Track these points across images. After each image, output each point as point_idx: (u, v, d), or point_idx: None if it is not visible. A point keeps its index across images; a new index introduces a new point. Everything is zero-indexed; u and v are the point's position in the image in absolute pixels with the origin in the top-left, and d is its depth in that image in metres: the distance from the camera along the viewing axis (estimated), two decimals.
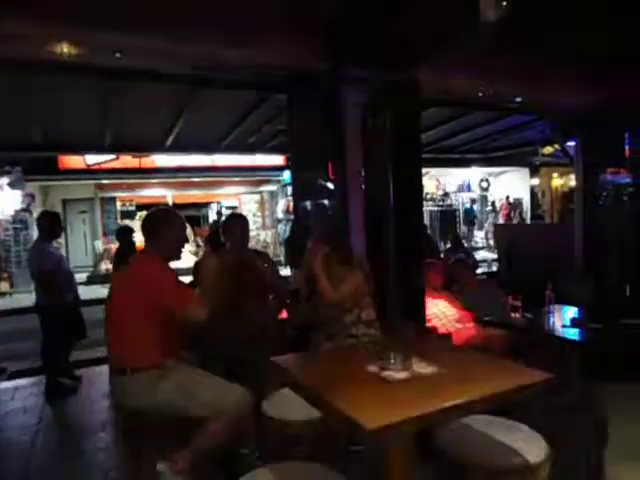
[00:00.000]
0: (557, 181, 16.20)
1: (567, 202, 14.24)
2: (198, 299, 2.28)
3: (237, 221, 3.36)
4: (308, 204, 4.24)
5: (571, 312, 3.69)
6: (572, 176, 10.00)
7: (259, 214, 16.29)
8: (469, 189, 16.62)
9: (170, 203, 14.29)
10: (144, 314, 2.21)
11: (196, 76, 4.22)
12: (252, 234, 14.27)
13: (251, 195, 16.31)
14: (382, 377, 1.69)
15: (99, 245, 13.53)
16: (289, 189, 12.86)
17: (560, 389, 2.49)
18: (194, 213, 16.95)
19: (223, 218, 11.07)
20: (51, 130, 7.27)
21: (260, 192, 16.18)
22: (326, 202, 4.10)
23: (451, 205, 16.12)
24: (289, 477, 1.69)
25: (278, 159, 11.60)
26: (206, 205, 17.18)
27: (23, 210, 11.34)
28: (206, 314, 2.22)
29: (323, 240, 3.08)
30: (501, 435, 1.81)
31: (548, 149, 10.52)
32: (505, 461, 1.67)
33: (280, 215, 14.79)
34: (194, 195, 15.68)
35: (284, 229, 14.45)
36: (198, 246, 13.27)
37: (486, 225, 15.95)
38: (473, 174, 15.86)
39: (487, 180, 16.40)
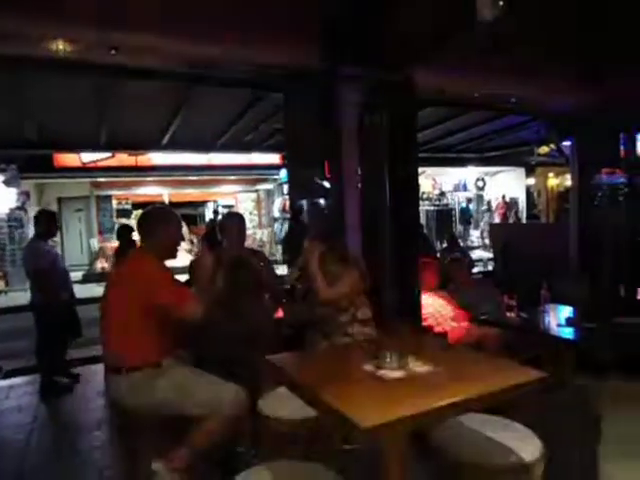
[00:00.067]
0: (553, 181, 16.26)
1: (563, 202, 14.29)
2: (194, 297, 2.28)
3: (234, 220, 3.37)
4: (304, 203, 4.24)
5: (566, 311, 3.70)
6: (568, 176, 10.03)
7: (255, 213, 16.27)
8: (465, 189, 16.67)
9: (166, 201, 14.24)
10: (140, 313, 2.20)
11: (192, 74, 4.21)
12: (248, 233, 14.23)
13: (247, 194, 16.29)
14: (378, 376, 1.69)
15: (95, 243, 13.48)
16: (285, 188, 12.86)
17: (554, 388, 2.50)
18: (190, 212, 16.91)
19: (219, 217, 11.07)
20: (46, 128, 7.24)
21: (256, 191, 16.16)
22: (322, 201, 4.09)
23: (447, 204, 16.16)
24: (285, 476, 1.69)
25: (274, 158, 11.59)
26: (202, 204, 17.15)
27: (18, 208, 11.29)
28: (202, 312, 2.22)
29: (319, 239, 3.09)
30: (496, 434, 1.81)
31: (544, 149, 10.56)
32: (500, 460, 1.67)
33: (276, 214, 14.79)
34: (190, 194, 15.65)
35: (280, 228, 14.45)
36: (192, 243, 13.24)
37: (482, 224, 16.00)
38: (469, 174, 15.91)
39: (483, 180, 16.45)
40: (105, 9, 2.91)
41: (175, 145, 9.01)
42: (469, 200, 16.50)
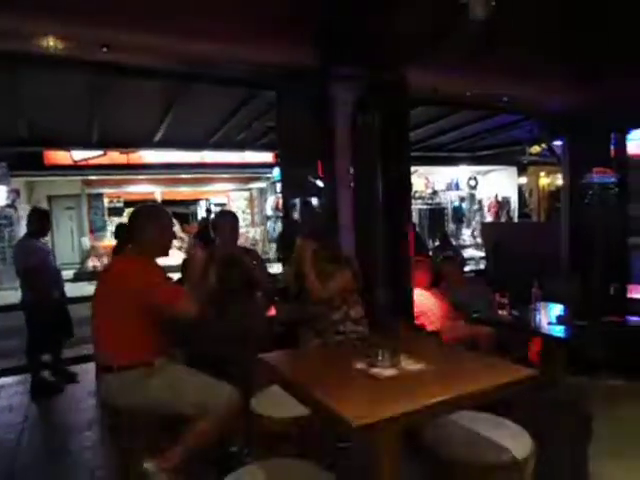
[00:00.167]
0: (544, 180, 16.37)
1: (554, 201, 14.40)
2: (187, 295, 2.28)
3: (227, 218, 3.36)
4: (297, 201, 4.24)
5: (557, 310, 3.74)
6: (559, 175, 10.11)
7: (248, 211, 16.23)
8: (457, 187, 16.73)
9: (158, 200, 14.16)
10: (133, 312, 2.19)
11: (185, 72, 4.18)
12: (241, 231, 14.19)
13: (240, 192, 16.24)
14: (370, 374, 1.69)
15: (86, 242, 13.38)
16: (278, 186, 12.82)
17: (546, 385, 2.52)
18: (183, 210, 16.83)
19: (212, 215, 11.03)
20: (37, 125, 7.17)
21: (249, 189, 16.11)
22: (315, 200, 4.10)
23: (440, 203, 16.22)
24: (277, 474, 1.69)
25: (267, 156, 11.57)
26: (195, 202, 17.07)
27: (8, 206, 11.17)
28: (195, 309, 2.22)
29: (312, 237, 3.09)
30: (487, 431, 1.83)
31: (535, 148, 10.62)
32: (491, 458, 1.69)
33: (269, 212, 14.76)
34: (183, 192, 15.56)
35: (273, 226, 14.43)
36: (184, 241, 13.19)
37: (473, 223, 16.07)
38: (461, 172, 15.96)
39: (475, 178, 16.52)
40: (97, 6, 2.89)
41: (167, 143, 8.96)
42: (462, 199, 16.56)
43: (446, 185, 16.64)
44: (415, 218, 14.22)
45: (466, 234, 16.04)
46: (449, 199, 16.52)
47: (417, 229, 12.04)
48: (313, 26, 3.51)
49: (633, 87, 4.72)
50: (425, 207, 15.56)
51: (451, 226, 15.99)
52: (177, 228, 12.03)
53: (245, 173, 13.77)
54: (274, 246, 14.02)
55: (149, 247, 2.35)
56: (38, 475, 2.96)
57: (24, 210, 10.73)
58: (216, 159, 11.81)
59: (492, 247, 7.48)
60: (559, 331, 3.27)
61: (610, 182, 5.90)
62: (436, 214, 15.71)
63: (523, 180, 15.98)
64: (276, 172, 11.89)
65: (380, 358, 1.74)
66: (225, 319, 2.95)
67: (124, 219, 12.07)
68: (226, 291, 2.98)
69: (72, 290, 6.48)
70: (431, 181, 16.22)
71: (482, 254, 10.93)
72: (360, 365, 1.78)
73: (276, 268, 8.21)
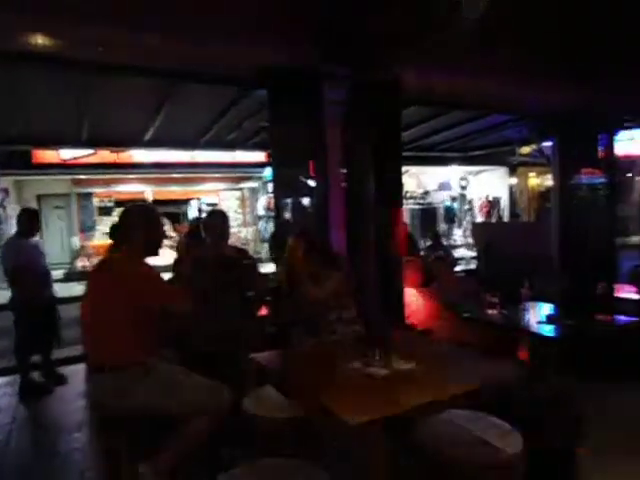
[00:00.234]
0: (534, 180, 16.51)
1: (544, 201, 14.53)
2: (181, 292, 2.28)
3: (217, 217, 3.35)
4: (289, 201, 4.24)
5: (546, 309, 3.77)
6: (548, 176, 10.20)
7: (240, 211, 16.18)
8: (449, 188, 16.81)
9: (149, 199, 14.06)
10: (125, 313, 2.17)
11: (174, 70, 4.16)
12: (233, 231, 14.12)
13: (232, 192, 16.18)
14: (363, 374, 1.70)
15: (76, 242, 13.26)
16: (270, 186, 12.80)
17: (536, 384, 2.54)
18: (174, 210, 16.73)
19: (204, 215, 10.97)
20: (25, 123, 7.08)
21: (241, 189, 16.06)
22: (307, 199, 4.10)
23: (431, 203, 16.28)
24: (271, 474, 1.69)
25: (259, 156, 11.53)
26: (186, 202, 16.97)
27: None
28: (191, 308, 2.22)
29: (303, 237, 3.09)
30: (478, 430, 1.84)
31: (525, 149, 10.71)
32: (482, 456, 1.70)
33: (261, 212, 14.73)
34: (173, 191, 15.47)
35: (265, 226, 14.40)
36: (175, 240, 13.11)
37: (464, 223, 16.16)
38: (453, 173, 16.04)
39: (466, 179, 16.60)
40: (87, 4, 2.86)
41: (158, 142, 8.88)
42: (454, 199, 16.64)
43: (438, 185, 16.71)
44: (407, 218, 14.26)
45: (457, 234, 16.13)
46: (441, 199, 16.59)
47: (409, 229, 12.08)
48: (306, 25, 3.51)
49: (619, 88, 4.79)
50: (417, 207, 15.62)
51: (443, 226, 16.05)
52: (168, 228, 11.96)
53: (236, 173, 13.72)
54: (266, 246, 13.99)
55: (139, 246, 2.34)
56: (26, 476, 2.93)
57: (13, 210, 10.60)
58: (207, 158, 11.75)
59: (483, 247, 7.52)
60: (548, 330, 3.30)
61: (598, 183, 5.97)
62: (428, 214, 15.77)
63: (514, 180, 16.10)
64: (268, 172, 11.87)
65: (372, 358, 1.75)
66: (217, 319, 2.94)
67: (115, 219, 11.97)
68: (217, 291, 2.97)
69: (62, 290, 6.41)
70: (423, 181, 16.29)
71: (473, 254, 11.00)
72: (353, 365, 1.78)
73: (268, 268, 8.19)
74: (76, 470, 2.95)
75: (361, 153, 3.86)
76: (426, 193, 16.32)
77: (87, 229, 13.82)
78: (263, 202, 14.46)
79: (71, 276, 11.39)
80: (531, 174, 16.27)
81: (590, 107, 5.10)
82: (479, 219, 15.73)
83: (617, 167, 6.27)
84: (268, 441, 2.06)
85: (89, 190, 14.11)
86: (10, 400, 4.14)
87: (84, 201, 14.21)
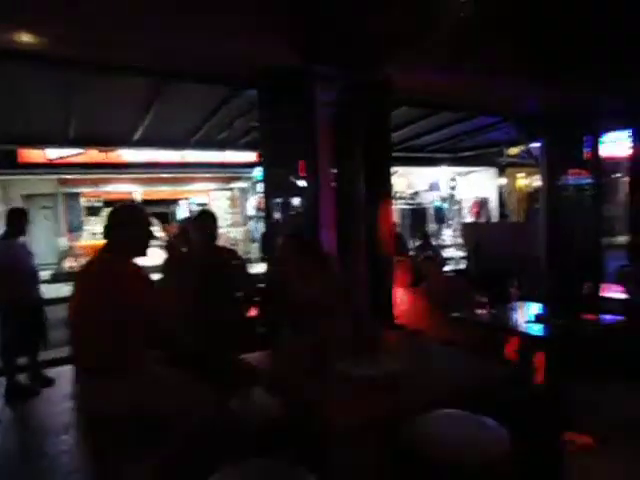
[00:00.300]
0: (522, 181, 16.67)
1: (532, 202, 14.67)
2: (168, 296, 2.26)
3: (206, 218, 3.34)
4: (279, 201, 4.23)
5: (534, 309, 3.81)
6: (536, 177, 10.31)
7: (230, 211, 16.11)
8: (438, 188, 16.90)
9: (138, 199, 13.95)
10: (111, 314, 2.15)
11: (164, 70, 4.13)
12: (223, 231, 14.06)
13: (222, 192, 16.11)
14: (351, 375, 1.70)
15: (63, 242, 13.11)
16: (260, 186, 12.76)
17: (523, 383, 2.57)
18: (163, 210, 16.61)
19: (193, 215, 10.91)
20: (10, 122, 6.99)
21: (231, 189, 16.00)
22: (297, 200, 4.09)
23: (420, 204, 16.36)
24: (258, 475, 1.68)
25: (250, 156, 11.49)
26: (175, 202, 16.87)
27: None
28: (176, 311, 2.20)
29: (294, 238, 3.09)
30: (466, 429, 1.84)
31: (513, 150, 10.81)
32: (470, 455, 1.71)
33: (251, 212, 14.68)
34: (163, 191, 15.34)
35: (255, 226, 14.35)
36: (162, 240, 13.01)
37: (453, 223, 16.26)
38: (442, 173, 16.13)
39: (455, 179, 16.71)
40: (72, 1, 2.83)
41: (147, 142, 8.82)
42: (444, 199, 16.74)
43: (427, 185, 16.80)
44: (397, 218, 14.31)
45: (447, 234, 16.22)
46: (430, 199, 16.68)
47: (398, 229, 12.13)
48: (296, 26, 3.50)
49: (602, 89, 4.85)
50: (406, 207, 15.69)
51: (433, 226, 16.14)
52: (157, 228, 11.88)
53: (227, 173, 13.65)
54: (256, 246, 13.95)
55: (127, 247, 2.32)
56: (13, 479, 2.89)
57: None
58: (197, 158, 11.69)
59: (472, 247, 7.58)
60: (536, 330, 3.33)
61: (585, 184, 6.05)
62: (417, 214, 15.84)
63: (502, 181, 16.25)
64: (258, 172, 11.84)
65: (361, 359, 1.75)
66: (206, 319, 2.93)
67: (103, 219, 11.86)
68: (206, 291, 2.96)
69: (49, 291, 6.33)
70: (412, 181, 16.36)
71: (462, 254, 11.06)
72: (343, 365, 1.78)
73: (258, 268, 8.16)
74: (63, 472, 2.92)
75: (351, 153, 3.87)
76: (416, 193, 16.39)
77: (74, 229, 13.66)
78: (253, 202, 14.41)
79: (58, 277, 11.25)
80: (519, 175, 16.43)
81: (573, 108, 5.17)
82: (468, 219, 15.83)
83: (603, 168, 6.35)
84: (256, 442, 2.05)
85: (76, 190, 13.95)
86: None
87: (71, 201, 14.04)
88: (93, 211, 14.23)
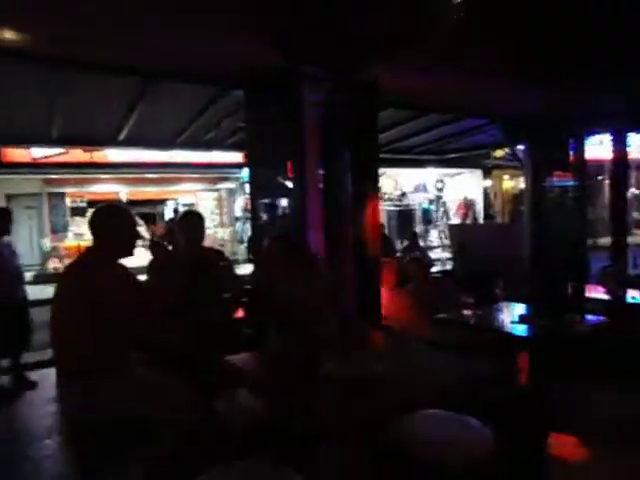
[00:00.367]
0: (507, 183, 16.87)
1: (518, 203, 14.85)
2: (155, 297, 2.24)
3: (192, 218, 3.31)
4: (266, 202, 4.22)
5: (519, 309, 3.85)
6: (522, 179, 10.42)
7: (217, 212, 16.04)
8: (425, 189, 17.02)
9: (124, 200, 13.82)
10: (95, 316, 2.12)
11: (148, 69, 4.09)
12: (210, 232, 14.01)
13: (209, 192, 16.03)
14: (336, 376, 1.70)
15: (46, 243, 12.93)
16: (248, 187, 12.72)
17: (508, 383, 2.59)
18: (149, 210, 16.48)
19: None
20: None
21: (218, 190, 15.93)
22: (284, 200, 4.09)
23: (408, 205, 16.46)
24: (243, 476, 1.67)
25: (237, 156, 11.45)
26: (162, 202, 16.74)
27: None
28: (163, 313, 2.19)
29: (281, 238, 3.08)
30: (451, 429, 1.85)
31: (499, 152, 10.94)
32: (455, 455, 1.71)
33: (238, 213, 14.64)
34: (149, 192, 15.24)
35: (242, 227, 14.31)
36: (148, 240, 12.91)
37: (441, 225, 16.39)
38: (429, 175, 16.24)
39: (442, 181, 16.85)
40: None
41: (133, 141, 8.72)
42: (431, 201, 16.87)
43: (414, 187, 16.91)
44: (384, 219, 14.38)
45: (434, 235, 16.35)
46: (418, 201, 16.79)
47: (386, 230, 12.19)
48: (282, 26, 3.50)
49: (586, 92, 4.92)
50: (394, 208, 15.77)
51: (420, 227, 16.25)
52: (143, 229, 11.77)
53: (214, 173, 13.61)
54: (243, 247, 13.91)
55: (113, 248, 2.29)
56: None
57: None
58: (184, 158, 11.62)
59: (458, 248, 7.63)
60: (520, 330, 3.37)
61: (569, 186, 6.13)
62: (405, 215, 15.94)
63: (488, 183, 16.42)
64: (245, 172, 11.80)
65: (347, 360, 1.75)
66: (192, 320, 2.91)
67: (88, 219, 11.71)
68: (192, 292, 2.94)
69: (33, 293, 6.23)
70: (400, 183, 16.45)
71: (449, 255, 11.15)
72: (327, 367, 1.78)
73: (245, 269, 8.14)
74: (46, 477, 2.86)
75: (339, 154, 3.87)
76: (403, 195, 16.50)
77: (59, 230, 13.49)
78: (240, 203, 14.37)
79: (41, 278, 11.10)
80: (505, 177, 16.63)
81: (557, 110, 5.24)
82: (455, 220, 15.97)
83: (586, 171, 6.45)
84: (242, 443, 2.04)
85: (61, 190, 13.79)
86: None
87: (56, 201, 13.87)
88: (78, 211, 14.07)
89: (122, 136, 8.01)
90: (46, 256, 12.49)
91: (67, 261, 10.61)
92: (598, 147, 9.97)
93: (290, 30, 3.37)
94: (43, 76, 4.79)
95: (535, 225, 6.14)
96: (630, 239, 7.11)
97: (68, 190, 13.89)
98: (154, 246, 2.50)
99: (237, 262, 12.44)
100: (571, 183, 6.25)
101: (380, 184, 4.48)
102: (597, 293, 4.52)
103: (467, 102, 5.46)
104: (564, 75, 4.42)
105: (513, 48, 3.88)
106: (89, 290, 2.13)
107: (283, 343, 2.83)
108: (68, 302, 2.21)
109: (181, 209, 14.87)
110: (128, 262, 2.38)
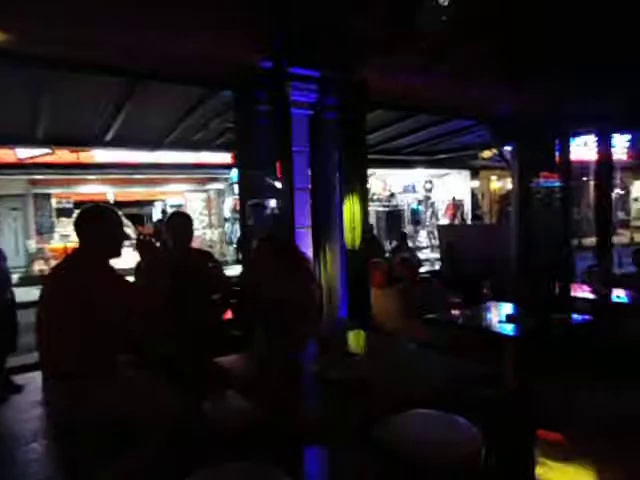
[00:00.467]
0: (495, 184, 17.02)
1: (505, 204, 14.99)
2: (146, 297, 2.23)
3: (180, 219, 3.28)
4: (252, 203, 4.22)
5: (506, 309, 3.88)
6: (509, 179, 10.53)
7: (205, 213, 15.95)
8: (414, 190, 17.10)
9: (111, 201, 13.68)
10: (84, 318, 2.10)
11: (137, 69, 4.06)
12: (198, 233, 13.94)
13: (197, 193, 15.94)
14: (324, 376, 1.70)
15: (32, 244, 12.75)
16: (236, 188, 12.67)
17: (496, 382, 2.61)
18: (137, 211, 16.35)
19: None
20: None
21: (206, 190, 15.84)
22: (273, 201, 4.08)
23: (397, 206, 16.52)
24: (232, 477, 1.67)
25: (225, 157, 11.39)
26: (150, 203, 16.61)
27: None
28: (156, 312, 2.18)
29: (269, 239, 3.07)
30: (439, 429, 1.87)
31: (487, 153, 11.03)
32: (443, 454, 1.73)
33: (227, 214, 14.58)
34: (137, 193, 15.10)
35: (231, 228, 14.25)
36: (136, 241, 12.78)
37: (429, 225, 16.48)
38: (418, 176, 16.32)
39: (431, 182, 16.94)
40: None
41: (120, 142, 8.65)
42: (420, 202, 16.95)
43: (403, 188, 16.97)
44: (373, 220, 14.42)
45: (423, 236, 16.43)
46: (406, 201, 16.86)
47: (375, 231, 12.23)
48: (273, 27, 3.50)
49: (570, 93, 4.99)
50: (382, 209, 15.82)
51: (409, 228, 16.31)
52: (130, 230, 11.66)
53: (202, 174, 13.53)
54: (232, 248, 13.86)
55: (100, 249, 2.27)
56: None
57: None
58: (172, 159, 11.52)
59: (446, 248, 7.68)
60: (508, 330, 3.40)
61: (555, 186, 6.21)
62: (393, 216, 15.99)
63: (476, 183, 16.55)
64: (234, 173, 11.76)
65: (334, 360, 1.75)
66: (180, 322, 2.89)
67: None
68: (181, 294, 2.92)
69: (18, 295, 6.15)
70: (388, 183, 16.51)
71: (437, 256, 11.22)
72: (315, 367, 1.78)
73: (234, 270, 8.11)
74: None
75: (327, 155, 3.88)
76: (392, 195, 16.55)
77: (45, 231, 13.31)
78: (229, 204, 14.31)
79: (26, 280, 10.94)
80: (493, 177, 16.77)
81: (543, 111, 5.30)
82: (443, 221, 16.06)
83: (572, 172, 6.54)
84: (230, 445, 2.03)
85: (47, 191, 13.60)
86: None
87: (41, 202, 13.67)
88: (64, 213, 13.89)
89: (109, 136, 7.93)
90: (31, 258, 12.31)
91: (53, 263, 10.49)
92: (583, 148, 10.11)
93: (275, 30, 3.38)
94: (28, 76, 4.73)
95: (521, 225, 6.21)
96: (615, 239, 7.22)
97: (54, 191, 13.70)
98: (142, 245, 2.47)
99: (226, 263, 12.39)
100: (557, 184, 6.32)
101: (369, 185, 4.50)
102: (583, 292, 4.58)
103: (455, 103, 5.51)
104: (550, 76, 4.47)
105: (500, 49, 3.92)
106: (77, 292, 2.11)
107: (271, 343, 2.83)
108: (55, 304, 2.19)
109: (169, 210, 14.77)
110: (116, 263, 2.36)
